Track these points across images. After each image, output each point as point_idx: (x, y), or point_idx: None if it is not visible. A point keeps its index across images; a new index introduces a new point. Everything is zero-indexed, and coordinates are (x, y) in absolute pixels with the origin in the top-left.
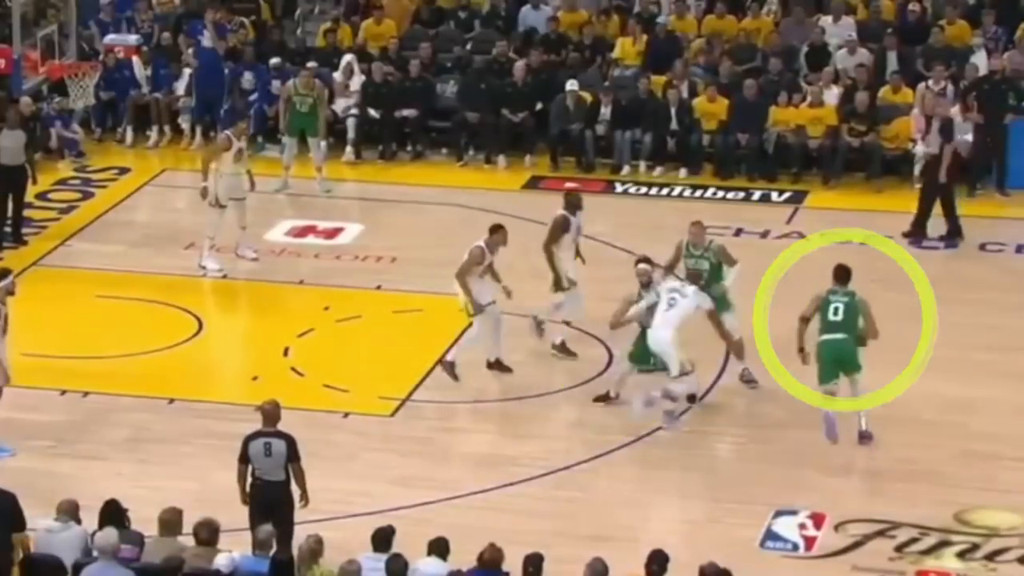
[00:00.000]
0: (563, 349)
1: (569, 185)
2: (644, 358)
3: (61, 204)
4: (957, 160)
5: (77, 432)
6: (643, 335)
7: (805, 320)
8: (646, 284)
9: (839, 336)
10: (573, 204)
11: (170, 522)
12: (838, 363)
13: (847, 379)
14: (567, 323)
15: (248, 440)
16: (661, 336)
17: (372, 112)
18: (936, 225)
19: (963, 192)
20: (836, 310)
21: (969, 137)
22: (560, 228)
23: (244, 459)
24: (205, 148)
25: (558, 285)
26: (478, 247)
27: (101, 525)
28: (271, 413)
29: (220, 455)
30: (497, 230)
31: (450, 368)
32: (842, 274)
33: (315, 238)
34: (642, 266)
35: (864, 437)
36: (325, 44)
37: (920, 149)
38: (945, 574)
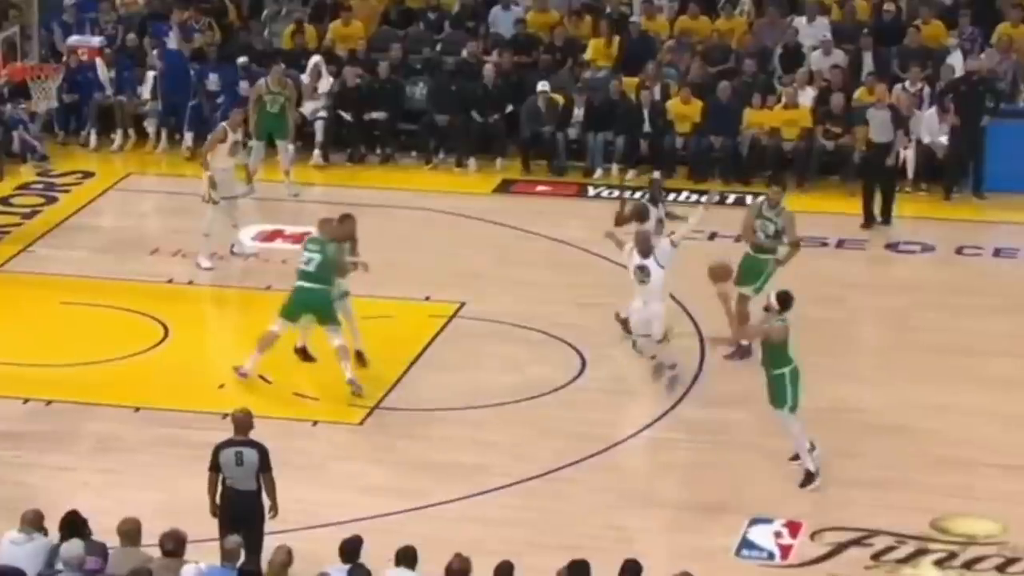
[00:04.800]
0: (625, 324)
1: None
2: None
3: (24, 209)
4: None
5: (41, 441)
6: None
7: None
8: (654, 199)
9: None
10: (654, 197)
11: (131, 532)
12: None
13: None
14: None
15: (219, 449)
16: (654, 310)
17: (344, 115)
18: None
19: (939, 196)
20: None
21: (944, 139)
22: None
23: (215, 468)
24: (205, 144)
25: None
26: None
27: (62, 536)
28: (243, 422)
29: (187, 464)
30: (345, 220)
31: (304, 353)
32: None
33: (283, 243)
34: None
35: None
36: (292, 45)
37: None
38: None
